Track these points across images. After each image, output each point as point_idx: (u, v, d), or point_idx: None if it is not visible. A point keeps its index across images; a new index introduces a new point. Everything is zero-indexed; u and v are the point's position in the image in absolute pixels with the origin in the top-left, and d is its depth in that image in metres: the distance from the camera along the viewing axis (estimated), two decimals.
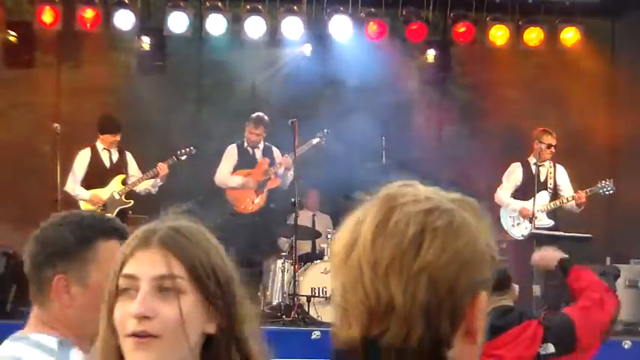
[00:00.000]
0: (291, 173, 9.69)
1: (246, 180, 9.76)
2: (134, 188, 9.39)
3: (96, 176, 9.34)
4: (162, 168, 9.33)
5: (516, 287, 4.24)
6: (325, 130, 9.82)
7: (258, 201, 9.75)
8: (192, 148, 9.61)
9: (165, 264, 1.62)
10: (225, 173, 9.82)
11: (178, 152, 9.55)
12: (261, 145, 9.89)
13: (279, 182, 9.83)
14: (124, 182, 9.41)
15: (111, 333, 1.61)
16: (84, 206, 9.24)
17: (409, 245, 1.25)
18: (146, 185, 9.41)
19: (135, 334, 1.58)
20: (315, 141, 9.78)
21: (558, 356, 3.79)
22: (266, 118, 9.84)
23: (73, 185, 9.28)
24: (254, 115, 9.86)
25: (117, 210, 9.27)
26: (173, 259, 1.63)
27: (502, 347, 3.75)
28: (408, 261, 1.24)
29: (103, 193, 9.32)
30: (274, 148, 9.92)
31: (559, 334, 3.83)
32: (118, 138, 9.39)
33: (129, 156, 9.53)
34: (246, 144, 9.89)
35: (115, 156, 9.44)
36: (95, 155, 9.38)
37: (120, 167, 9.45)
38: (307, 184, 10.51)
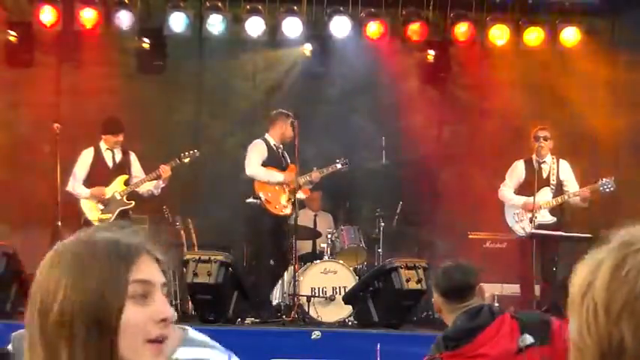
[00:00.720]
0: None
1: (288, 176, 9.29)
2: (136, 189, 9.38)
3: (98, 176, 9.32)
4: (165, 170, 9.29)
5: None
6: (345, 160, 9.56)
7: (288, 206, 9.33)
8: (195, 150, 9.50)
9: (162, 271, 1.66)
10: (258, 165, 9.32)
11: (182, 155, 9.48)
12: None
13: (308, 193, 9.60)
14: (126, 183, 9.40)
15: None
16: (84, 204, 9.23)
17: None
18: (148, 187, 9.40)
19: (158, 340, 1.60)
20: (338, 166, 9.53)
21: (539, 346, 3.80)
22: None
23: (74, 184, 9.27)
24: (281, 111, 9.52)
25: (118, 210, 9.28)
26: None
27: (484, 345, 3.76)
28: (639, 307, 1.31)
29: (106, 192, 9.32)
30: (132, 154, 9.57)
31: (533, 325, 3.84)
32: (121, 138, 9.37)
33: (133, 156, 9.51)
34: (273, 142, 9.43)
35: (119, 156, 9.42)
36: (98, 155, 9.38)
37: (123, 168, 9.43)
38: (319, 183, 10.51)
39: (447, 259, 4.22)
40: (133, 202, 9.39)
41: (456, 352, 3.73)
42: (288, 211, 9.29)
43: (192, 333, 1.84)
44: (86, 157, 9.37)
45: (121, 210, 9.30)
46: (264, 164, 9.37)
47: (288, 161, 9.48)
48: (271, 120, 9.48)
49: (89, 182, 9.32)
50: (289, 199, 9.28)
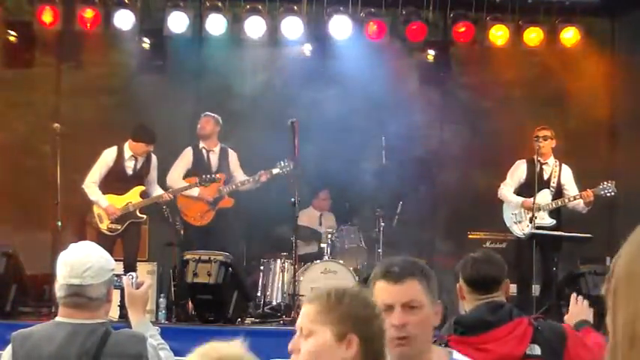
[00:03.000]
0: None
1: (203, 193, 9.50)
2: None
3: (115, 181, 9.23)
4: (165, 197, 9.32)
5: (510, 284, 4.24)
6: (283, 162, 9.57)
7: (207, 217, 9.58)
8: (217, 175, 9.45)
9: None
10: (177, 177, 9.61)
11: (203, 177, 9.40)
12: (216, 149, 9.70)
13: (231, 203, 9.64)
14: (141, 194, 9.30)
15: None
16: (96, 210, 9.18)
17: None
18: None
19: None
20: (275, 171, 9.57)
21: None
22: (215, 116, 9.78)
23: (93, 187, 9.18)
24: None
25: (127, 223, 9.21)
26: None
27: (493, 342, 3.77)
28: None
29: (119, 202, 9.22)
30: (230, 151, 9.76)
31: (548, 338, 3.83)
32: (151, 149, 9.30)
33: (154, 161, 9.41)
34: (201, 144, 9.70)
35: (140, 163, 9.30)
36: (119, 159, 9.24)
37: (141, 176, 9.32)
38: (318, 184, 10.52)
39: (478, 250, 4.22)
40: (145, 217, 9.36)
41: (464, 339, 3.73)
42: (207, 221, 9.54)
43: None
44: (107, 157, 9.24)
45: (130, 222, 9.24)
46: (190, 171, 9.62)
47: (213, 169, 9.61)
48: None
49: (105, 185, 9.22)
50: (208, 210, 9.52)
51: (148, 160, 9.37)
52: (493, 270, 4.00)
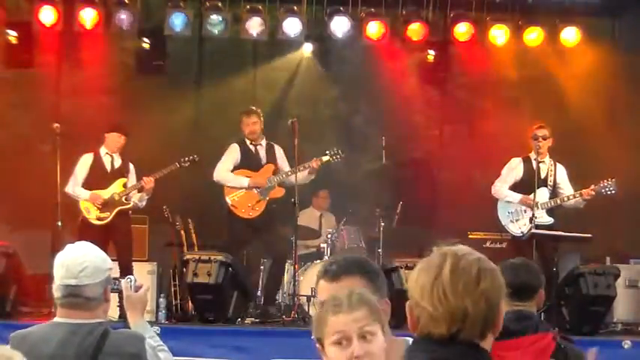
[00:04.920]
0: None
1: (252, 182, 9.47)
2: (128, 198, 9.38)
3: (96, 179, 9.33)
4: (148, 182, 9.29)
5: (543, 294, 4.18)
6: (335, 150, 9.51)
7: (258, 209, 9.47)
8: (195, 156, 9.52)
9: None
10: (225, 170, 9.58)
11: (181, 159, 9.49)
12: (263, 142, 9.71)
13: (282, 192, 9.55)
14: (124, 185, 9.39)
15: None
16: (83, 205, 9.23)
17: (474, 278, 2.11)
18: (135, 199, 9.40)
19: None
20: (325, 158, 9.45)
21: None
22: (258, 110, 9.70)
23: (73, 186, 9.29)
24: (241, 111, 9.76)
25: (116, 210, 9.26)
26: None
27: (513, 350, 3.72)
28: (474, 288, 2.10)
29: (104, 194, 9.32)
30: (276, 146, 9.71)
31: (569, 358, 3.81)
32: (123, 141, 9.36)
33: (132, 167, 9.50)
34: (247, 141, 9.67)
35: (118, 162, 9.43)
36: (97, 159, 9.39)
37: (122, 172, 9.43)
38: (318, 184, 10.51)
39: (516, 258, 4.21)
40: (132, 203, 9.37)
41: None
42: (258, 213, 9.39)
43: None
44: (86, 160, 9.40)
45: (119, 209, 9.28)
46: (238, 166, 9.53)
47: (263, 162, 9.55)
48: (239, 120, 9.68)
49: (87, 185, 9.33)
50: (259, 200, 9.38)
51: (125, 163, 9.44)
52: (531, 278, 3.98)
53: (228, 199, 9.47)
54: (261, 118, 9.57)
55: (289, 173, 9.41)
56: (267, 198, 9.42)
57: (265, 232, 9.42)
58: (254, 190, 9.43)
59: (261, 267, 9.80)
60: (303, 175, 9.40)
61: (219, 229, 10.34)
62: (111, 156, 9.40)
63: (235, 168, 9.56)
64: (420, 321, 2.14)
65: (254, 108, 9.72)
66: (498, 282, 2.14)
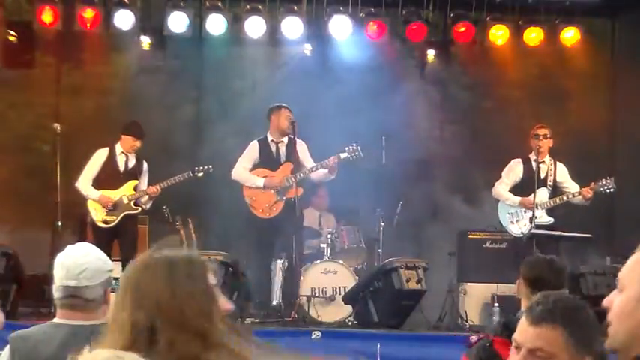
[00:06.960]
0: None
1: (267, 183, 9.37)
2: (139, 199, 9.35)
3: (107, 178, 9.25)
4: (152, 190, 9.26)
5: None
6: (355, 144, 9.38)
7: (276, 209, 9.37)
8: (210, 166, 9.44)
9: None
10: (243, 169, 9.48)
11: (195, 169, 9.41)
12: (285, 139, 9.51)
13: (300, 192, 9.38)
14: (135, 188, 9.33)
15: None
16: (91, 205, 9.20)
17: None
18: (142, 201, 9.39)
19: None
20: (343, 156, 9.32)
21: None
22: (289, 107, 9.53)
23: (84, 183, 9.20)
24: (271, 106, 9.61)
25: (123, 214, 9.22)
26: None
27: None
28: None
29: (113, 195, 9.25)
30: (299, 141, 9.46)
31: None
32: (139, 145, 9.28)
33: (145, 167, 9.43)
34: (270, 138, 9.50)
35: (132, 162, 9.33)
36: (111, 157, 9.29)
37: (134, 174, 9.35)
38: (318, 184, 10.50)
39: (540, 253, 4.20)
40: (140, 209, 9.34)
41: (507, 342, 3.70)
42: (276, 213, 9.32)
43: None
44: (99, 156, 9.29)
45: (126, 214, 9.26)
46: (257, 165, 9.46)
47: (282, 160, 9.50)
48: (267, 117, 9.57)
49: (98, 183, 9.25)
50: (277, 201, 9.32)
51: (139, 162, 9.39)
52: (555, 274, 3.96)
53: (247, 199, 9.43)
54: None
55: (306, 172, 9.37)
56: (284, 198, 9.39)
57: (283, 232, 9.30)
58: (271, 190, 9.40)
59: (271, 267, 9.74)
60: (322, 174, 9.39)
61: (219, 229, 10.35)
62: (126, 155, 9.30)
63: (255, 167, 9.53)
64: None
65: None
66: None
